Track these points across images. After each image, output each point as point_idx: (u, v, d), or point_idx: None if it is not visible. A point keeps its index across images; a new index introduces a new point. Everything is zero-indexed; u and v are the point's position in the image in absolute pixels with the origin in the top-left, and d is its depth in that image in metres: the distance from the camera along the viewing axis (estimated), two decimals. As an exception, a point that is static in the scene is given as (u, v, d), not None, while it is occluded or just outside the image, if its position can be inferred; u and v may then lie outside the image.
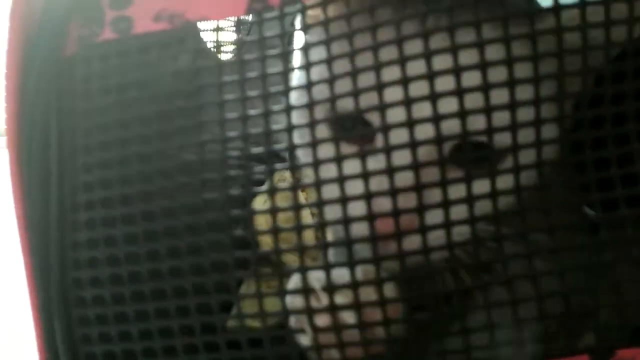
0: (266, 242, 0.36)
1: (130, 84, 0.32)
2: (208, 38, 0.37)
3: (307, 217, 0.37)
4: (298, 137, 0.30)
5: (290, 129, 0.29)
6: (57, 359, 0.33)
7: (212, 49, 0.33)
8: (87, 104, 0.33)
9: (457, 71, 0.27)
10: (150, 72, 0.32)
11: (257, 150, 0.31)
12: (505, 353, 0.29)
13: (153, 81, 0.32)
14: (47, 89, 0.33)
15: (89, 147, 0.33)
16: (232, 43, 0.34)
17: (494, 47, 0.27)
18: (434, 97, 0.28)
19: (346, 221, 0.29)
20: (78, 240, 0.33)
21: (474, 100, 0.28)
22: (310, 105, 0.30)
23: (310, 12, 0.30)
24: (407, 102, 0.28)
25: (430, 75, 0.27)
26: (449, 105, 0.28)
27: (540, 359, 0.29)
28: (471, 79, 0.27)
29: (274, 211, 0.30)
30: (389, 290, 0.29)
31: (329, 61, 0.29)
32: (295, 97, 0.31)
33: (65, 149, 0.33)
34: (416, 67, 0.28)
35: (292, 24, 0.32)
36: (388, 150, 0.28)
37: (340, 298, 0.29)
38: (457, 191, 0.28)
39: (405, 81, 0.28)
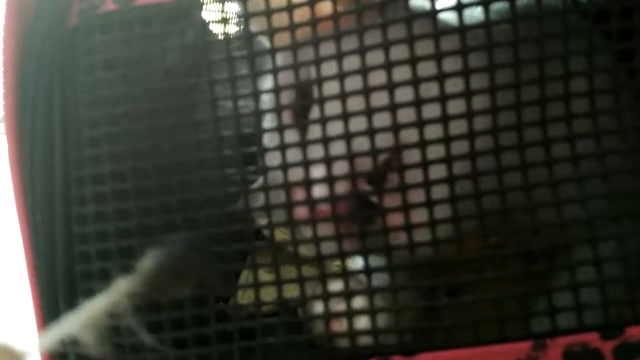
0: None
1: (134, 58, 0.31)
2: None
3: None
4: None
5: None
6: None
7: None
8: (90, 77, 0.32)
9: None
10: (155, 45, 0.31)
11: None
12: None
13: (159, 55, 0.31)
14: (50, 62, 0.32)
15: (93, 121, 0.32)
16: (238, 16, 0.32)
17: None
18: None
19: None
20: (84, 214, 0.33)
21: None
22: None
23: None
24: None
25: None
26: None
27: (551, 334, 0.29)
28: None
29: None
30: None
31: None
32: None
33: (69, 123, 0.32)
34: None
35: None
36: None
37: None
38: None
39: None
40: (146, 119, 0.31)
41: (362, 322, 0.30)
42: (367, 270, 0.30)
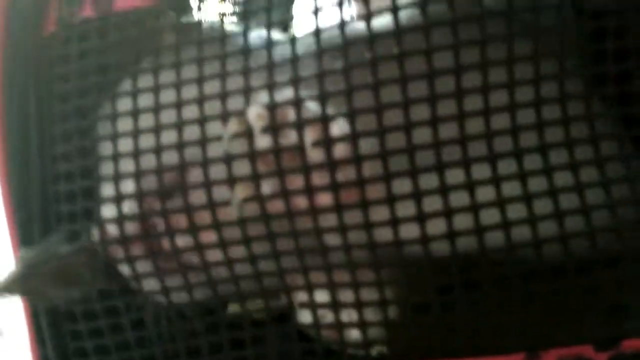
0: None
1: (109, 65, 0.30)
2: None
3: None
4: None
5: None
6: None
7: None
8: (66, 86, 0.31)
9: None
10: (130, 51, 0.29)
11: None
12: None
13: (132, 60, 0.29)
14: (24, 69, 0.32)
15: (66, 134, 0.31)
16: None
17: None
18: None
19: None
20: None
21: None
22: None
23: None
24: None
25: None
26: None
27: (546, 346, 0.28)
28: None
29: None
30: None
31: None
32: None
33: (45, 137, 0.32)
34: None
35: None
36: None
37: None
38: None
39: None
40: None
41: (354, 334, 0.29)
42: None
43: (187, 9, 0.32)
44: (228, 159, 0.27)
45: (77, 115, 0.31)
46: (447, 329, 0.28)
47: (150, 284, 0.30)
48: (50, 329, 0.33)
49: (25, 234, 0.33)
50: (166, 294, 0.30)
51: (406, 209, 0.27)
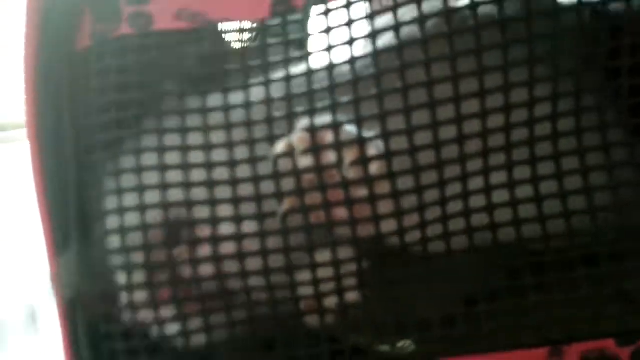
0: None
1: (148, 82, 0.32)
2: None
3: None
4: None
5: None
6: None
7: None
8: (103, 99, 0.33)
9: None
10: (169, 69, 0.32)
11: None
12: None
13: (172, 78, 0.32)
14: (57, 83, 0.33)
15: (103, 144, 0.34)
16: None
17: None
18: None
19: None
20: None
21: None
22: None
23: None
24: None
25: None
26: None
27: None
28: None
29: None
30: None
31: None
32: None
33: (80, 146, 0.33)
34: None
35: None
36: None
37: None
38: None
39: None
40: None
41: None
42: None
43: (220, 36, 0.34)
44: (276, 176, 0.30)
45: (114, 127, 0.33)
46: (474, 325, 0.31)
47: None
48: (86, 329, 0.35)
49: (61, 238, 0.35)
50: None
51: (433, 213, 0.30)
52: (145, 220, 0.31)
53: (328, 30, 0.29)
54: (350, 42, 0.29)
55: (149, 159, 0.32)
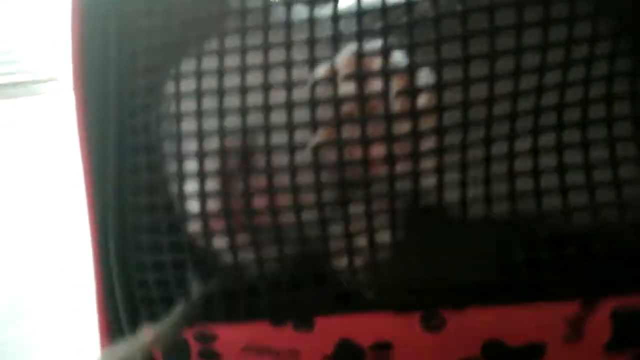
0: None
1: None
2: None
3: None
4: None
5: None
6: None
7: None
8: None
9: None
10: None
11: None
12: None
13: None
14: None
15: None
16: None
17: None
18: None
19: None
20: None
21: None
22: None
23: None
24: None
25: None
26: None
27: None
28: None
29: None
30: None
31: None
32: None
33: (124, 71, 0.32)
34: None
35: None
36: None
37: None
38: None
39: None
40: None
41: None
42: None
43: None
44: (312, 103, 0.28)
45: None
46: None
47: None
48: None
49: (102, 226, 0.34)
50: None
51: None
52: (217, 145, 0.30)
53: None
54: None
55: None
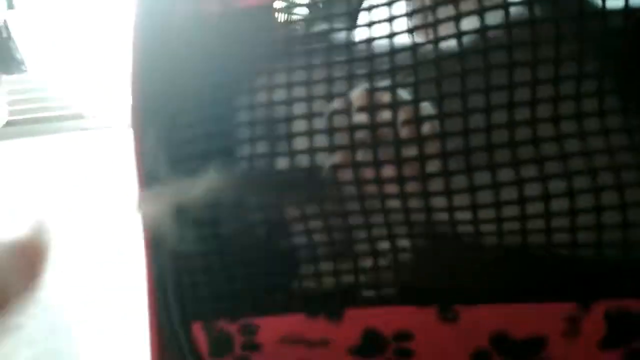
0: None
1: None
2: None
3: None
4: None
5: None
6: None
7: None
8: None
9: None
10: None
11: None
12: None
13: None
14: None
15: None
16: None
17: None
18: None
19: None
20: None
21: None
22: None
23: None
24: None
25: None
26: None
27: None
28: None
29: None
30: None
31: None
32: None
33: None
34: None
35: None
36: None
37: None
38: None
39: None
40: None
41: None
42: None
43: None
44: (331, 131, 0.32)
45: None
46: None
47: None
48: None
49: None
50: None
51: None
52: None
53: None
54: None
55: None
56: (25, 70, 1.24)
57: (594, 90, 0.29)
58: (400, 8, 0.32)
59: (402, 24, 0.32)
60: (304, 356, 0.38)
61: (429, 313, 0.36)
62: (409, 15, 0.32)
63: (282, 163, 0.34)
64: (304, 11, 0.43)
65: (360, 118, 0.32)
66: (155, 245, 0.40)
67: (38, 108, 1.45)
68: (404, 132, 0.31)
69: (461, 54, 0.29)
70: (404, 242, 0.35)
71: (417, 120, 0.31)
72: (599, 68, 0.28)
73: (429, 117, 0.31)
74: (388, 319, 0.36)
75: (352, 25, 0.32)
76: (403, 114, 0.31)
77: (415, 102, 0.31)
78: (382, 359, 0.37)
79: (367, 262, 0.36)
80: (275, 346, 0.37)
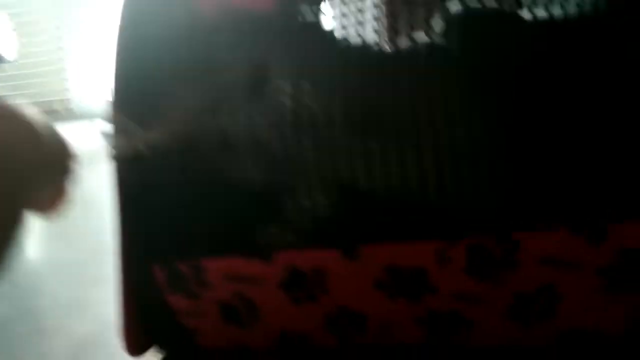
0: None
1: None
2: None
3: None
4: None
5: None
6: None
7: None
8: None
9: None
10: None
11: None
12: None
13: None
14: None
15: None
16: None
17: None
18: None
19: None
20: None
21: None
22: None
23: None
24: None
25: None
26: None
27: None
28: None
29: None
30: None
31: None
32: None
33: None
34: None
35: None
36: None
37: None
38: None
39: None
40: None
41: None
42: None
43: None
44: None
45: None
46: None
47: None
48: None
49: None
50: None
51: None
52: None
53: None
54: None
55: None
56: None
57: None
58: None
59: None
60: (244, 290, 0.47)
61: (337, 253, 0.45)
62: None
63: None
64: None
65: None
66: (123, 194, 0.49)
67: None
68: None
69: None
70: (320, 198, 0.45)
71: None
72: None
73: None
74: (306, 257, 0.46)
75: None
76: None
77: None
78: (304, 291, 0.47)
79: (292, 214, 0.45)
80: (221, 282, 0.47)
